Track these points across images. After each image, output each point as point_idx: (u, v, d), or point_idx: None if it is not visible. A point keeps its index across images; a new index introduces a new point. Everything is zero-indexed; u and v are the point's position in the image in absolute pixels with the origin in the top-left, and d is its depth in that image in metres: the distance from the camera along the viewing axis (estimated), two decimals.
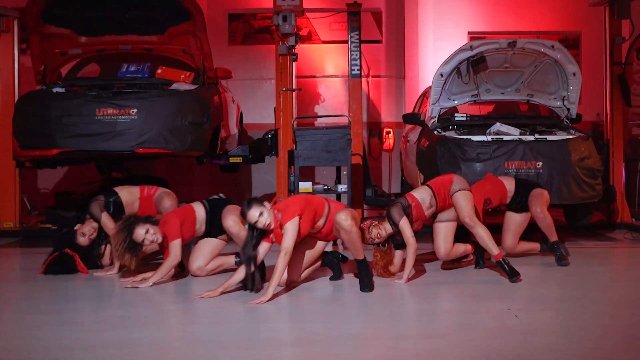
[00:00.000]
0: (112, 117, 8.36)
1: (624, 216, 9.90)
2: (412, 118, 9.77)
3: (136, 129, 8.30)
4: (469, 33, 12.71)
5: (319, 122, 11.15)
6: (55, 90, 8.71)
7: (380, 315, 5.49)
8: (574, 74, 8.77)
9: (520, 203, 7.19)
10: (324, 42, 12.79)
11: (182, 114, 8.45)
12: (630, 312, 5.46)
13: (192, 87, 8.91)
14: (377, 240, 6.48)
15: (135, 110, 8.30)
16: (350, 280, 6.53)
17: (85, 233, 7.04)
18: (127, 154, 8.55)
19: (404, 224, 6.42)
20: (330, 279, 6.59)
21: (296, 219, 5.84)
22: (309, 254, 6.34)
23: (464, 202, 6.57)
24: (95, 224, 7.07)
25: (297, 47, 9.79)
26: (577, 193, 8.10)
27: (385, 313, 5.56)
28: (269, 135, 9.71)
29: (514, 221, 7.22)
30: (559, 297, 6.02)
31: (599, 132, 11.28)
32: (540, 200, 7.14)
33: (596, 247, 8.47)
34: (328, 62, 12.92)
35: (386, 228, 6.48)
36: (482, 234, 6.48)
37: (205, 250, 6.76)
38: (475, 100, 9.34)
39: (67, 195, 10.58)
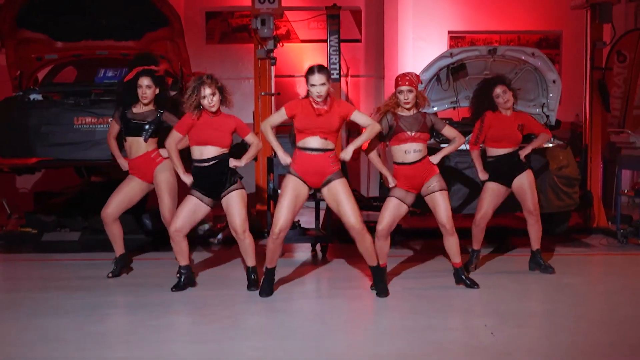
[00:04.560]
0: (91, 126, 8.32)
1: (600, 221, 9.86)
2: None
3: None
4: (449, 32, 12.60)
5: None
6: (32, 97, 8.61)
7: (360, 333, 5.65)
8: (554, 82, 8.76)
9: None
10: (303, 41, 12.61)
11: None
12: (605, 330, 5.57)
13: (171, 93, 8.59)
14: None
15: None
16: (330, 288, 6.82)
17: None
18: (106, 162, 8.37)
19: None
20: None
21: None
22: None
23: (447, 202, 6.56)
24: None
25: (275, 50, 9.65)
26: (555, 202, 8.16)
27: (365, 331, 5.71)
28: None
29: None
30: (535, 312, 6.18)
31: (577, 134, 11.20)
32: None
33: (572, 254, 8.48)
34: (307, 60, 12.67)
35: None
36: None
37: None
38: (454, 107, 9.31)
39: (47, 196, 10.42)
